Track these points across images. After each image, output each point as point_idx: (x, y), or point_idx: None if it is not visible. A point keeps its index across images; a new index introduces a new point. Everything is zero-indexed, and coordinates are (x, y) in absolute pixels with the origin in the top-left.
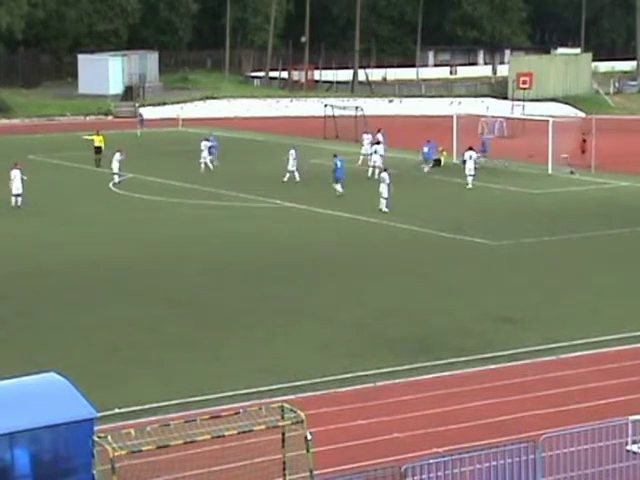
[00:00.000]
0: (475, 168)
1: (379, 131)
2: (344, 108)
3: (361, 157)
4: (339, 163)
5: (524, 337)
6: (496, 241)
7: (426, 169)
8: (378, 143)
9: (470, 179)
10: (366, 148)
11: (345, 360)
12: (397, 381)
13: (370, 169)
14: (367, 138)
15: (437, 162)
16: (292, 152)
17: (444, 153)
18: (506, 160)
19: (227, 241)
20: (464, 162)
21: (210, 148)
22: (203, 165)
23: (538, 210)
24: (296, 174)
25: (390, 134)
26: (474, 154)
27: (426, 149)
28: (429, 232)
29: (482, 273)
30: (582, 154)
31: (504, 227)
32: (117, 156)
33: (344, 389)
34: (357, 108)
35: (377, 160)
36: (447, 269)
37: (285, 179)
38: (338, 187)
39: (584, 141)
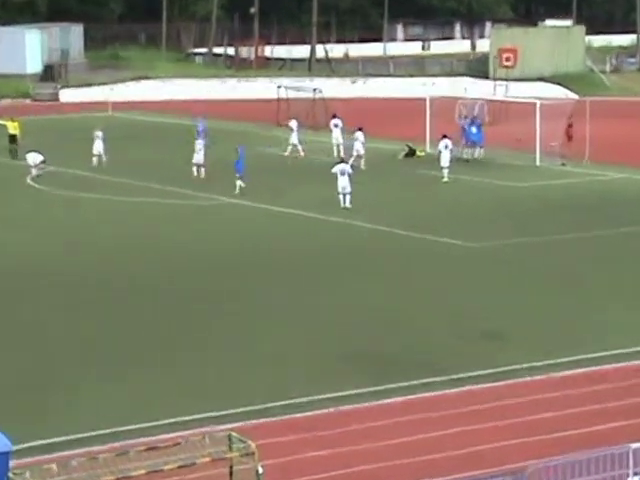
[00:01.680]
0: (451, 160)
1: (334, 117)
2: (300, 90)
3: (289, 147)
4: (240, 152)
5: (507, 353)
6: (475, 243)
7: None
8: (361, 130)
9: (446, 172)
10: (337, 136)
11: (302, 381)
12: (362, 405)
13: (352, 159)
14: (337, 124)
15: (411, 152)
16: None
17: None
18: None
19: (161, 245)
20: (440, 153)
21: (200, 133)
22: (96, 159)
23: (524, 207)
24: (239, 183)
25: (352, 120)
26: (449, 143)
27: (474, 129)
28: (398, 232)
29: (457, 280)
30: (569, 142)
31: (484, 227)
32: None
33: (301, 414)
34: (315, 90)
35: (359, 149)
36: (418, 275)
37: (198, 175)
38: (240, 183)
39: (570, 126)
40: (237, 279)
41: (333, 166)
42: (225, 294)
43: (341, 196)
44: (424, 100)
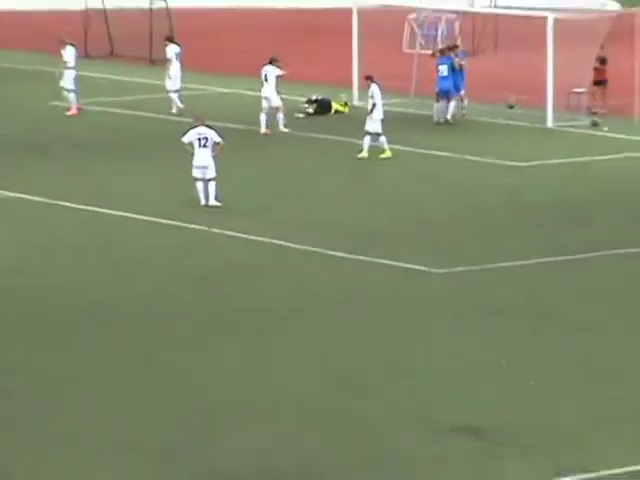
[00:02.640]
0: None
1: (169, 41)
2: None
3: (65, 94)
4: None
5: (502, 466)
6: (439, 267)
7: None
8: (272, 62)
9: (380, 140)
10: (174, 73)
11: None
12: None
13: (263, 116)
14: (172, 50)
15: (323, 106)
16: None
17: (342, 98)
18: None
19: None
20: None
21: None
22: None
23: (521, 203)
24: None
25: (214, 49)
26: (376, 90)
27: (444, 69)
28: (311, 249)
29: (416, 332)
30: (598, 88)
31: (453, 238)
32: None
33: None
34: None
35: (271, 97)
36: (348, 324)
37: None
38: None
39: (602, 62)
40: None
41: (185, 132)
42: None
43: (200, 184)
44: (348, 12)
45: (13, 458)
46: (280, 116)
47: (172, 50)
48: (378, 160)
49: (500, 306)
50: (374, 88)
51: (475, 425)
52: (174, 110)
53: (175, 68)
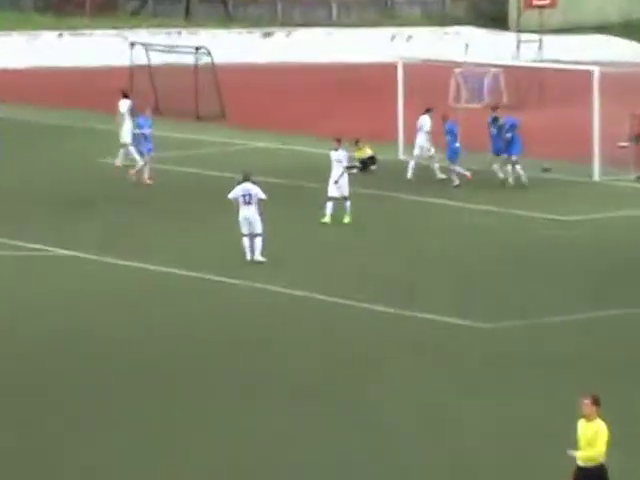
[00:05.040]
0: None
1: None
2: (171, 51)
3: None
4: None
5: None
6: (484, 321)
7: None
8: (427, 112)
9: (345, 205)
10: (127, 128)
11: None
12: None
13: (411, 163)
14: (125, 105)
15: (368, 162)
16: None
17: (359, 146)
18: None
19: None
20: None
21: None
22: None
23: (567, 256)
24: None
25: (257, 103)
26: (344, 153)
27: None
28: (357, 305)
29: (466, 398)
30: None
31: (499, 292)
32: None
33: None
34: (198, 50)
35: (425, 146)
36: (392, 384)
37: None
38: None
39: None
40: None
41: (233, 187)
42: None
43: (246, 240)
44: (393, 67)
45: None
46: (436, 165)
47: (125, 105)
48: (423, 214)
49: (549, 361)
50: (342, 153)
51: None
52: (118, 163)
53: (128, 122)
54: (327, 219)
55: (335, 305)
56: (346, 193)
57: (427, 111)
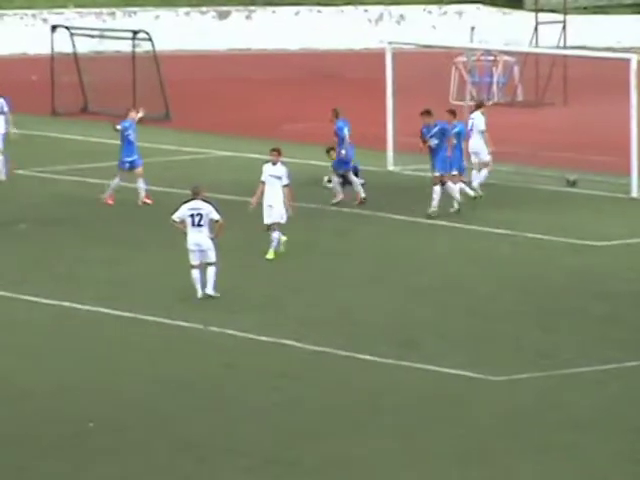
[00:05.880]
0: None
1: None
2: (102, 36)
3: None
4: None
5: None
6: (496, 373)
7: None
8: (478, 107)
9: (272, 236)
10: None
11: None
12: None
13: (475, 174)
14: None
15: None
16: None
17: (331, 155)
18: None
19: None
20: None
21: None
22: None
23: (597, 291)
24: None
25: (213, 104)
26: (283, 168)
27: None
28: (333, 352)
29: (476, 460)
30: None
31: (513, 336)
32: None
33: None
34: (136, 34)
35: (481, 151)
36: (388, 443)
37: None
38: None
39: None
40: None
41: (179, 207)
42: None
43: (196, 272)
44: (379, 55)
45: None
46: (484, 173)
47: None
48: (418, 239)
49: (573, 423)
50: (281, 168)
51: None
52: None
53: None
54: (271, 255)
55: (314, 353)
56: (282, 220)
57: (478, 107)
